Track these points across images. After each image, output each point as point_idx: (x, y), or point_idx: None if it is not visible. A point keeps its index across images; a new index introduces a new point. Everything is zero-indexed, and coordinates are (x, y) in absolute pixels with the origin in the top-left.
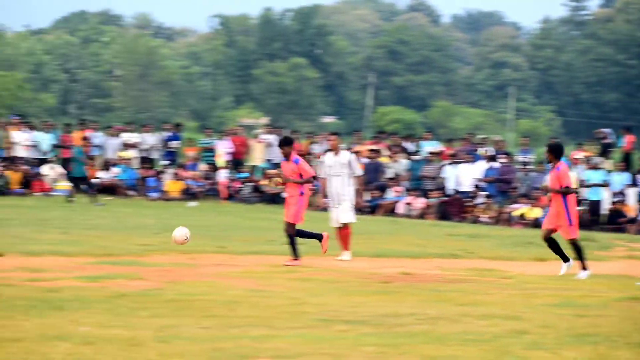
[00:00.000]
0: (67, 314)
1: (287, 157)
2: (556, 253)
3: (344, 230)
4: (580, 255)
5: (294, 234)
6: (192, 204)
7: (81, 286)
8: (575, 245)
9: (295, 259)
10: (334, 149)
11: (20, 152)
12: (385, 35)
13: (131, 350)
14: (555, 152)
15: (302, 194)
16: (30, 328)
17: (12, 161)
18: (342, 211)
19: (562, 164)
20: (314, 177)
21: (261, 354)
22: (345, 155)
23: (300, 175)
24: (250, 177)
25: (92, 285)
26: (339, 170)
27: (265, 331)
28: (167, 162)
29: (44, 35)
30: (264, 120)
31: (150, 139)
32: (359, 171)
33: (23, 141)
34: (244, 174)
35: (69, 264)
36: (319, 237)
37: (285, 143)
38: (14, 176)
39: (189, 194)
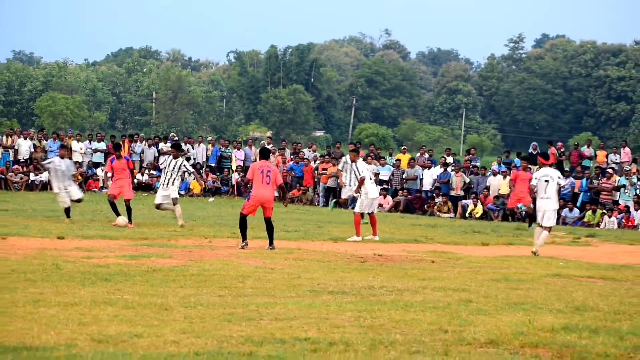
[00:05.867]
0: (112, 285)
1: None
2: None
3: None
4: None
5: None
6: (211, 199)
7: (124, 263)
8: None
9: None
10: (353, 160)
11: (78, 157)
12: (365, 67)
13: (163, 314)
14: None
15: None
16: (84, 295)
17: None
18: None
19: None
20: None
21: (264, 317)
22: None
23: None
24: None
25: (132, 262)
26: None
27: (268, 299)
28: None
29: (98, 66)
30: (269, 133)
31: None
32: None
33: (79, 149)
34: None
35: (114, 245)
36: None
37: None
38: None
39: (208, 192)
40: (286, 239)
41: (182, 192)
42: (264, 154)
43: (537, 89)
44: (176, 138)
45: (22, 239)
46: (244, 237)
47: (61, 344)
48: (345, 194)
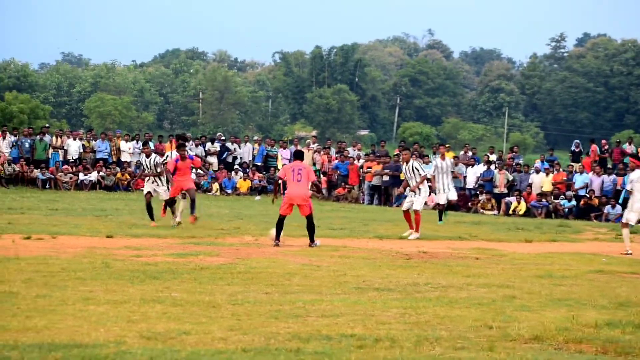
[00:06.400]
0: (161, 282)
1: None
2: None
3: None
4: None
5: None
6: (258, 197)
7: (172, 261)
8: None
9: None
10: (407, 160)
11: (126, 157)
12: (409, 67)
13: (210, 311)
14: None
15: None
16: (133, 293)
17: (119, 165)
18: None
19: None
20: None
21: (311, 314)
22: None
23: None
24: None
25: (180, 260)
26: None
27: (315, 296)
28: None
29: (146, 68)
30: (314, 132)
31: (230, 148)
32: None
33: (128, 149)
34: None
35: (162, 244)
36: None
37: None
38: (121, 176)
39: (255, 190)
40: (332, 237)
41: (229, 191)
42: (298, 155)
43: (578, 87)
44: (223, 138)
45: (72, 237)
46: (277, 237)
47: (111, 341)
48: (441, 199)
